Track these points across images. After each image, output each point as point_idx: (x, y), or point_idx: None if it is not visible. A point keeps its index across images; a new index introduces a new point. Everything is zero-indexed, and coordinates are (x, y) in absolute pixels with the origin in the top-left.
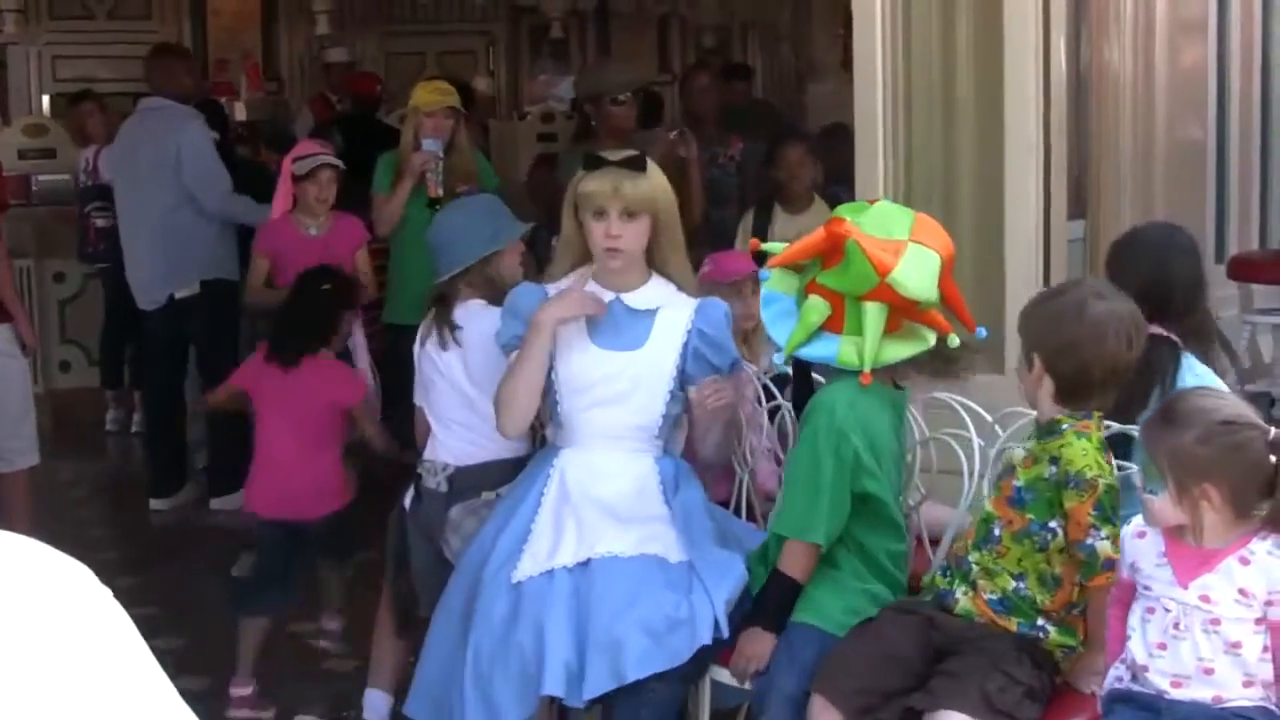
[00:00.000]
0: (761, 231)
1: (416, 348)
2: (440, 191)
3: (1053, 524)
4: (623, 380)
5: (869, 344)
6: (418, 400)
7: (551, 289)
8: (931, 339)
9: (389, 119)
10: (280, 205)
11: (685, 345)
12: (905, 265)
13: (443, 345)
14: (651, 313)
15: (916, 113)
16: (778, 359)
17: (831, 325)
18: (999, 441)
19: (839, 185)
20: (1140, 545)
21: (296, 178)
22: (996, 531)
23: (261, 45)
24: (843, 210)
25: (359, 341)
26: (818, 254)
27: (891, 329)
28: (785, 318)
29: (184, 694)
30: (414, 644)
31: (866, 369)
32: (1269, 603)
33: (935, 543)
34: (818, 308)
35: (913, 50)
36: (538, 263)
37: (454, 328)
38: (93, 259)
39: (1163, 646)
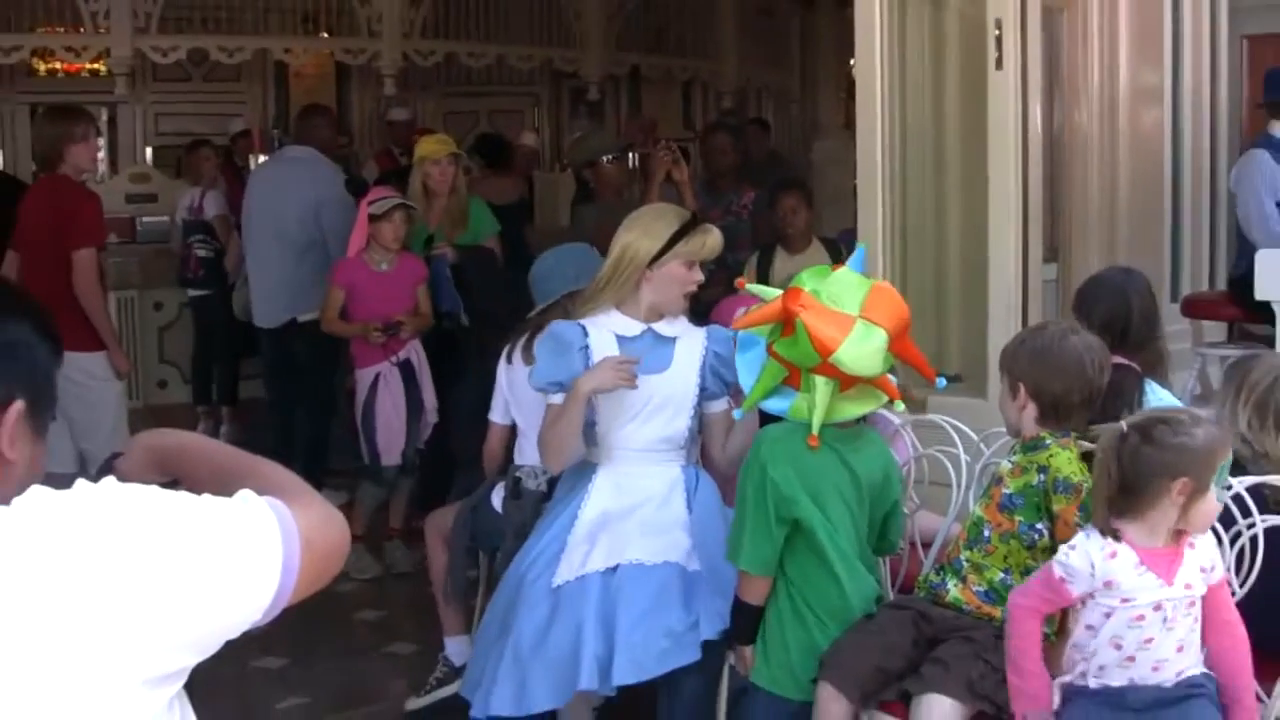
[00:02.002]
0: (765, 270)
1: (503, 367)
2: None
3: (1040, 525)
4: (655, 399)
5: (817, 410)
6: (496, 417)
7: (592, 325)
8: (884, 398)
9: None
10: (357, 243)
11: (703, 365)
12: (849, 345)
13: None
14: (673, 340)
15: (911, 168)
16: (736, 414)
17: (791, 381)
18: (983, 458)
19: (847, 232)
20: (1115, 564)
21: (373, 218)
22: (986, 533)
23: (336, 103)
24: (804, 277)
25: (422, 363)
26: (775, 321)
27: (845, 388)
28: (756, 366)
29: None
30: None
31: (814, 432)
32: (1211, 569)
33: (927, 547)
34: (773, 372)
35: (908, 113)
36: None
37: None
38: (193, 284)
39: (1149, 641)
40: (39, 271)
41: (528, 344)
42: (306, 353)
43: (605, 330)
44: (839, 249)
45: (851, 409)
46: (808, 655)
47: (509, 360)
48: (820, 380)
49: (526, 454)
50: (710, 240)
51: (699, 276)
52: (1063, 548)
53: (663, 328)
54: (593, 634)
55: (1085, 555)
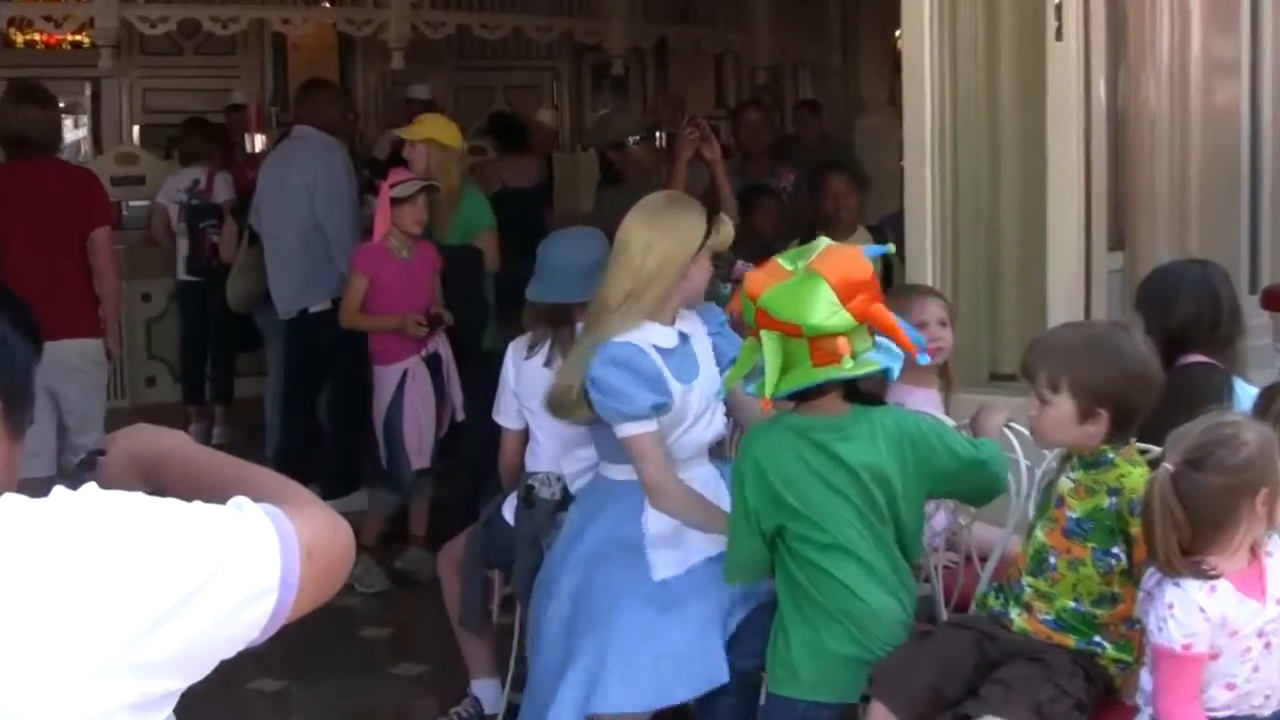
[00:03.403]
0: None
1: (512, 365)
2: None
3: (1115, 550)
4: (699, 404)
5: (768, 373)
6: (508, 422)
7: (642, 338)
8: (846, 366)
9: None
10: (381, 228)
11: (715, 351)
12: (776, 289)
13: (549, 363)
14: (689, 337)
15: (962, 148)
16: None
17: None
18: (1044, 462)
19: (892, 217)
20: (1220, 599)
21: (396, 201)
22: (1052, 560)
23: (339, 77)
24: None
25: (449, 359)
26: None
27: (820, 361)
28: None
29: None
30: (495, 634)
31: (766, 395)
32: None
33: (984, 561)
34: (749, 347)
35: (959, 88)
36: None
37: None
38: (206, 271)
39: (1257, 671)
40: (38, 257)
41: (557, 340)
42: (331, 346)
43: (649, 347)
44: (885, 236)
45: (815, 374)
46: (812, 654)
47: (526, 356)
48: (765, 336)
49: (540, 459)
50: (727, 229)
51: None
52: (1155, 616)
53: (684, 327)
54: (717, 625)
55: (1192, 606)
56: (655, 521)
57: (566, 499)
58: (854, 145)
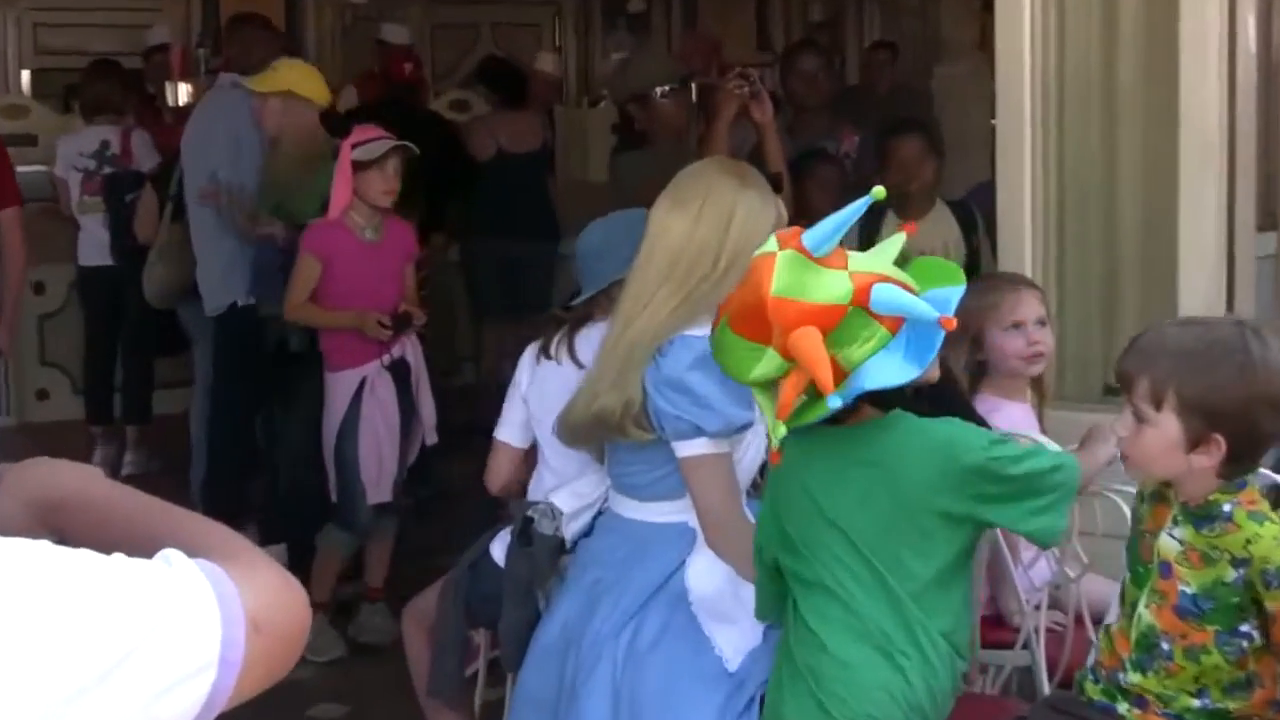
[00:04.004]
0: (868, 243)
1: (527, 370)
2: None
3: (1244, 628)
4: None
5: (768, 425)
6: (510, 437)
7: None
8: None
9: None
10: (341, 200)
11: None
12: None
13: (559, 360)
14: None
15: (1071, 105)
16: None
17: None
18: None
19: (981, 190)
20: None
21: (359, 166)
22: (1165, 647)
23: (284, 15)
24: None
25: (420, 360)
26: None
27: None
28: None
29: None
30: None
31: (774, 446)
32: None
33: (1097, 624)
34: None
35: (1067, 27)
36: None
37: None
38: (132, 254)
39: None
40: None
41: (570, 340)
42: (273, 348)
43: None
44: (971, 213)
45: (805, 414)
46: None
47: (545, 358)
48: (755, 393)
49: (547, 484)
50: (782, 208)
51: None
52: None
53: None
54: None
55: None
56: (703, 576)
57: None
58: (932, 99)
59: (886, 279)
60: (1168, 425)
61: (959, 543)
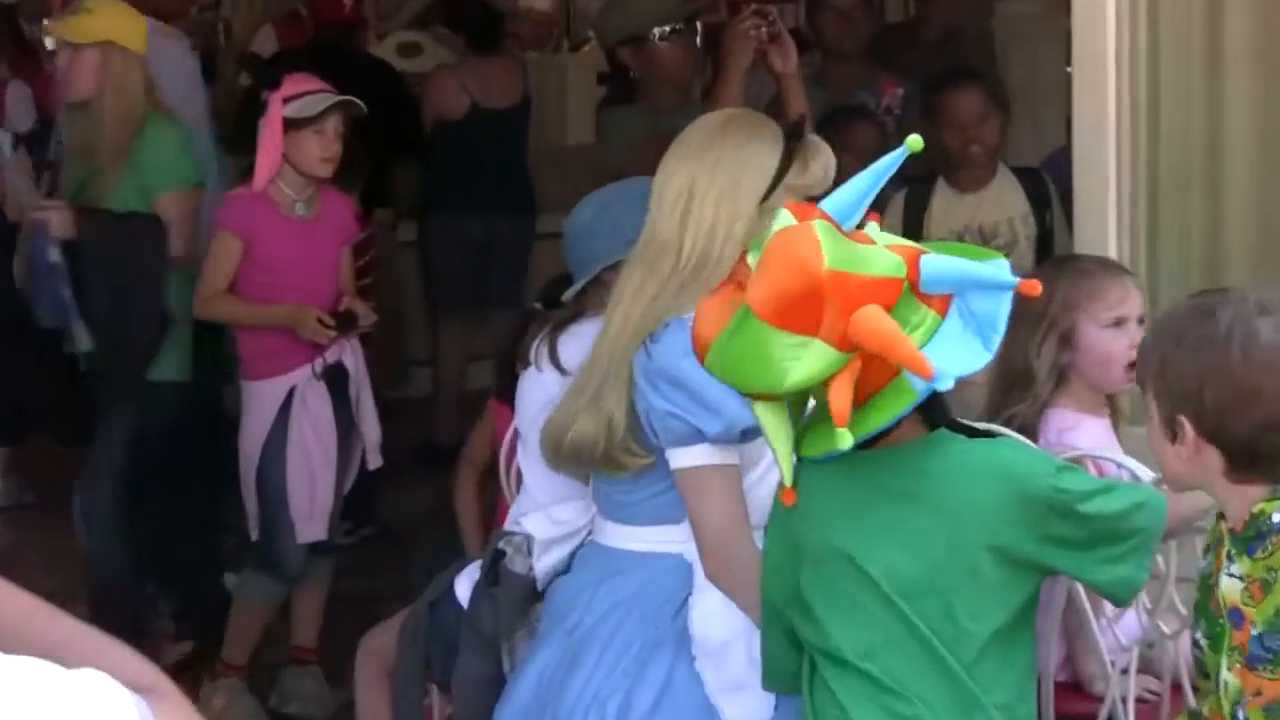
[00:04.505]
0: (917, 218)
1: (531, 378)
2: None
3: None
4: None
5: (775, 449)
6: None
7: None
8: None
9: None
10: (268, 167)
11: None
12: (722, 350)
13: (539, 367)
14: None
15: (1166, 56)
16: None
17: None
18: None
19: (1055, 158)
20: None
21: (292, 125)
22: (1241, 716)
23: None
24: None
25: (360, 366)
26: None
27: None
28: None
29: None
30: None
31: (786, 483)
32: None
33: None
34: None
35: None
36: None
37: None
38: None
39: None
40: None
41: (552, 342)
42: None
43: None
44: (1042, 185)
45: (837, 433)
46: None
47: (523, 364)
48: (756, 406)
49: (525, 509)
50: (822, 159)
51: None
52: None
53: None
54: None
55: None
56: (712, 621)
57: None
58: (994, 43)
59: (922, 251)
60: (1152, 411)
61: (1021, 594)
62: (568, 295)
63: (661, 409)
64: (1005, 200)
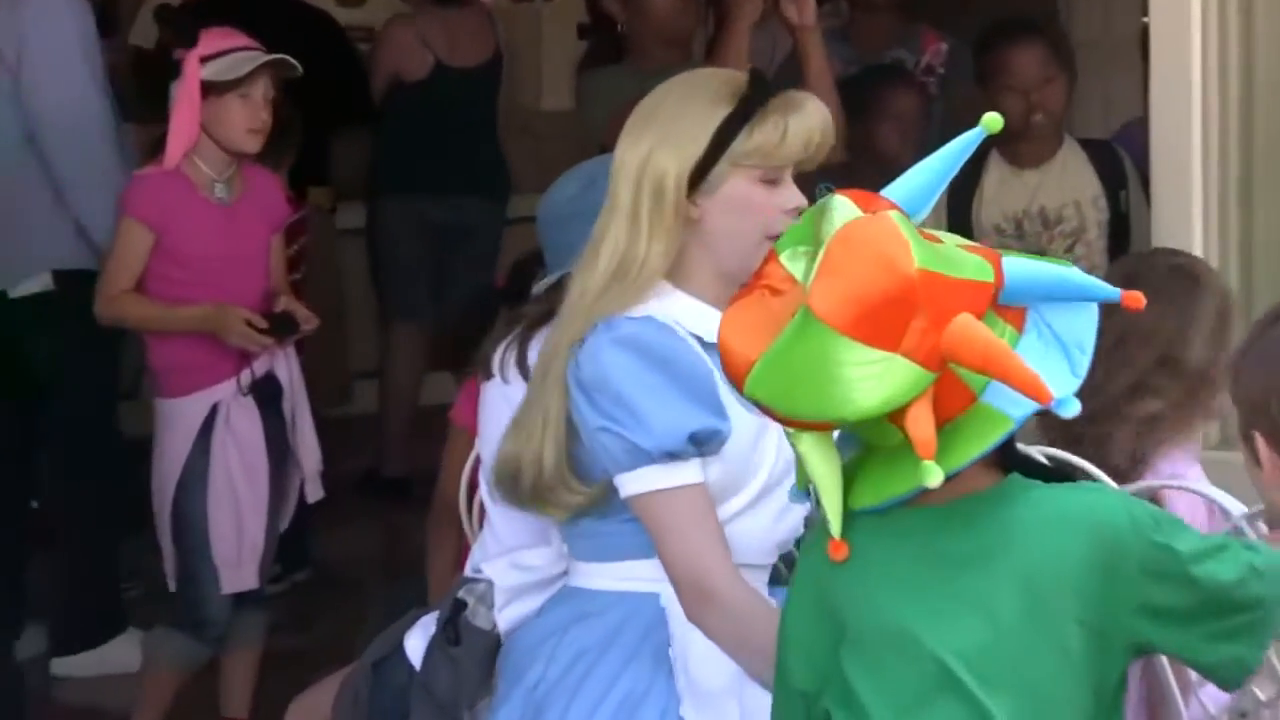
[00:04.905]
0: (963, 202)
1: (494, 390)
2: None
3: None
4: (779, 463)
5: (823, 500)
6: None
7: (669, 314)
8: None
9: None
10: (182, 140)
11: None
12: (767, 370)
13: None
14: None
15: (1261, 4)
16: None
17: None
18: None
19: (1129, 131)
20: None
21: (212, 90)
22: None
23: None
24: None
25: (296, 378)
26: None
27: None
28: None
29: None
30: None
31: (835, 535)
32: None
33: None
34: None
35: None
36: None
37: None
38: None
39: None
40: None
41: (520, 347)
42: (57, 359)
43: (679, 328)
44: (1115, 159)
45: (899, 479)
46: None
47: (499, 377)
48: (802, 439)
49: (490, 551)
50: (804, 121)
51: (797, 199)
52: None
53: None
54: None
55: None
56: (699, 668)
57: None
58: None
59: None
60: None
61: (1112, 676)
62: (539, 288)
63: (593, 424)
64: (1072, 178)
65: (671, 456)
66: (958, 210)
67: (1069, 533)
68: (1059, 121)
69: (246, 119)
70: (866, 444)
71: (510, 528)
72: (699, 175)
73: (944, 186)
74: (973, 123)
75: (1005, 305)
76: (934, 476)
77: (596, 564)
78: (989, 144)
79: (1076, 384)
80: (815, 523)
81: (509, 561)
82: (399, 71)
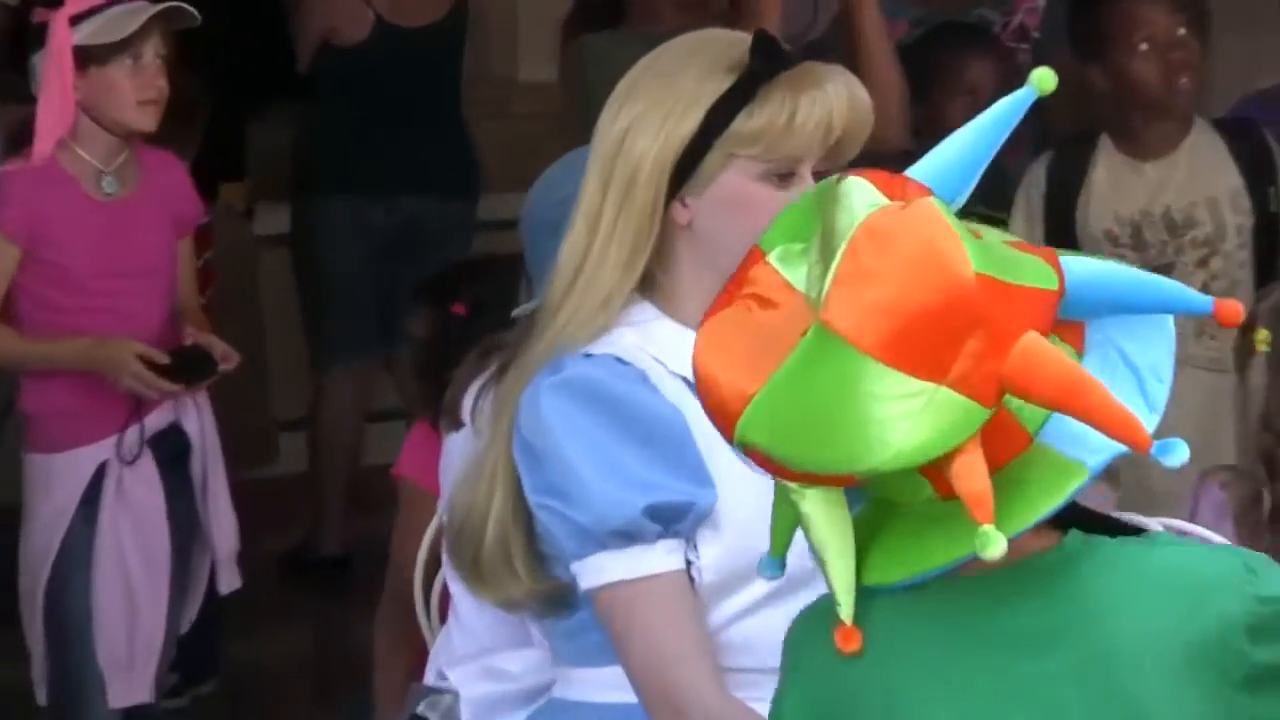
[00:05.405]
0: (1064, 201)
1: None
2: None
3: None
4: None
5: (829, 573)
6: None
7: (642, 347)
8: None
9: None
10: (53, 126)
11: None
12: (765, 405)
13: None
14: None
15: None
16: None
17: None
18: None
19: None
20: None
21: (88, 57)
22: None
23: None
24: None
25: (207, 431)
26: None
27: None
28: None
29: None
30: None
31: (844, 616)
32: None
33: None
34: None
35: None
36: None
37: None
38: None
39: None
40: None
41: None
42: None
43: (657, 366)
44: (1261, 144)
45: (935, 547)
46: None
47: (450, 424)
48: (807, 498)
49: (456, 653)
50: (819, 103)
51: None
52: None
53: None
54: None
55: None
56: None
57: None
58: None
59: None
60: None
61: None
62: (521, 312)
63: (534, 498)
64: (1205, 171)
65: (627, 538)
66: (1059, 213)
67: (1156, 601)
68: (1186, 98)
69: (137, 88)
70: (882, 500)
71: (483, 621)
72: (687, 165)
73: (982, 167)
74: (1072, 99)
75: (1063, 320)
76: (995, 545)
77: (585, 669)
78: (1097, 129)
79: (1154, 421)
80: (812, 608)
81: (480, 667)
82: (331, 32)
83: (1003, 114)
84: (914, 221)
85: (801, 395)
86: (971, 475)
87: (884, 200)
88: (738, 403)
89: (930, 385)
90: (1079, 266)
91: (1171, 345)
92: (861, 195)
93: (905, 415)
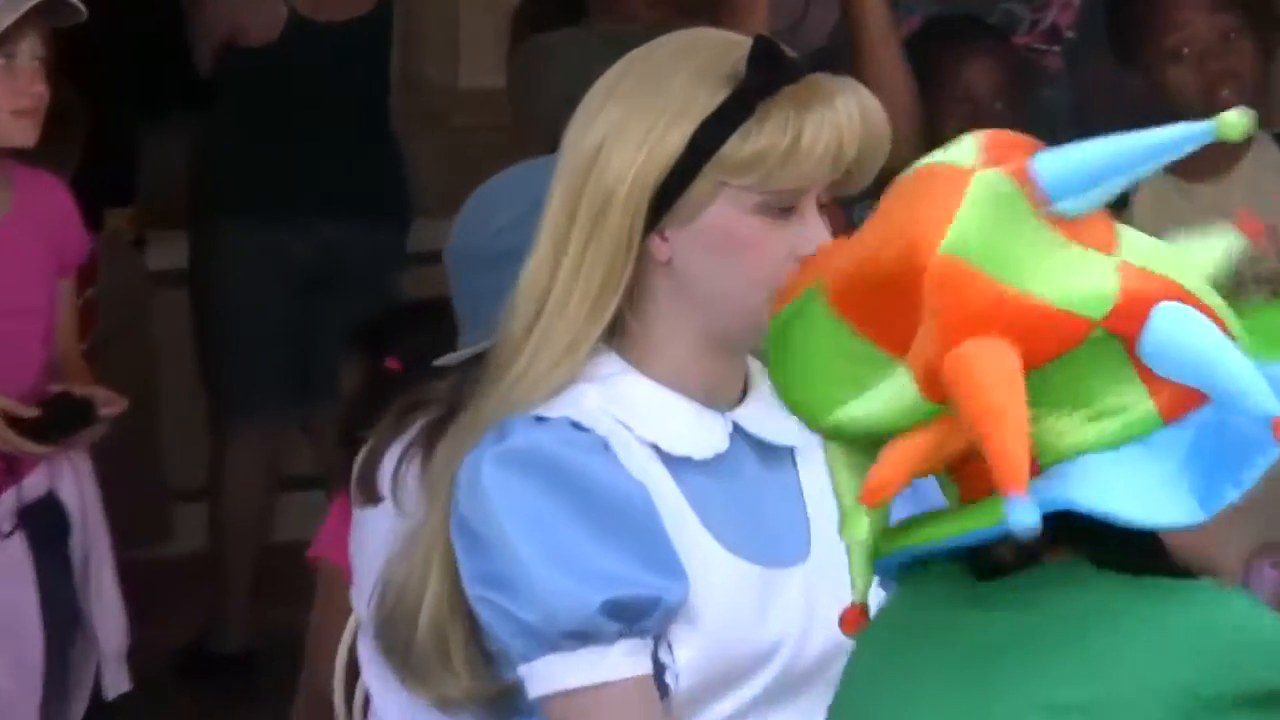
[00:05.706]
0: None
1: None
2: None
3: None
4: (824, 633)
5: (851, 552)
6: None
7: (606, 408)
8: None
9: None
10: None
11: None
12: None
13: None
14: (789, 453)
15: None
16: None
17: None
18: None
19: None
20: None
21: None
22: None
23: None
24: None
25: (90, 503)
26: None
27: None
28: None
29: None
30: None
31: (855, 598)
32: None
33: None
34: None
35: None
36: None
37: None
38: None
39: None
40: None
41: (425, 456)
42: None
43: (622, 432)
44: None
45: (965, 517)
46: None
47: (389, 501)
48: (828, 445)
49: None
50: (829, 124)
51: (818, 238)
52: None
53: (767, 422)
54: None
55: None
56: None
57: None
58: None
59: (1189, 298)
60: None
61: None
62: (448, 361)
63: (472, 590)
64: (1266, 193)
65: (582, 638)
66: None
67: (1180, 652)
68: (1248, 100)
69: (10, 95)
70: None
71: (403, 709)
72: (671, 190)
73: (1124, 180)
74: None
75: (1158, 374)
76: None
77: None
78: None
79: (1199, 518)
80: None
81: None
82: (237, 29)
83: (1169, 139)
84: (933, 183)
85: (788, 335)
86: (892, 462)
87: (969, 159)
88: None
89: (888, 356)
90: (1177, 325)
91: (1271, 454)
92: (956, 149)
93: (855, 380)
